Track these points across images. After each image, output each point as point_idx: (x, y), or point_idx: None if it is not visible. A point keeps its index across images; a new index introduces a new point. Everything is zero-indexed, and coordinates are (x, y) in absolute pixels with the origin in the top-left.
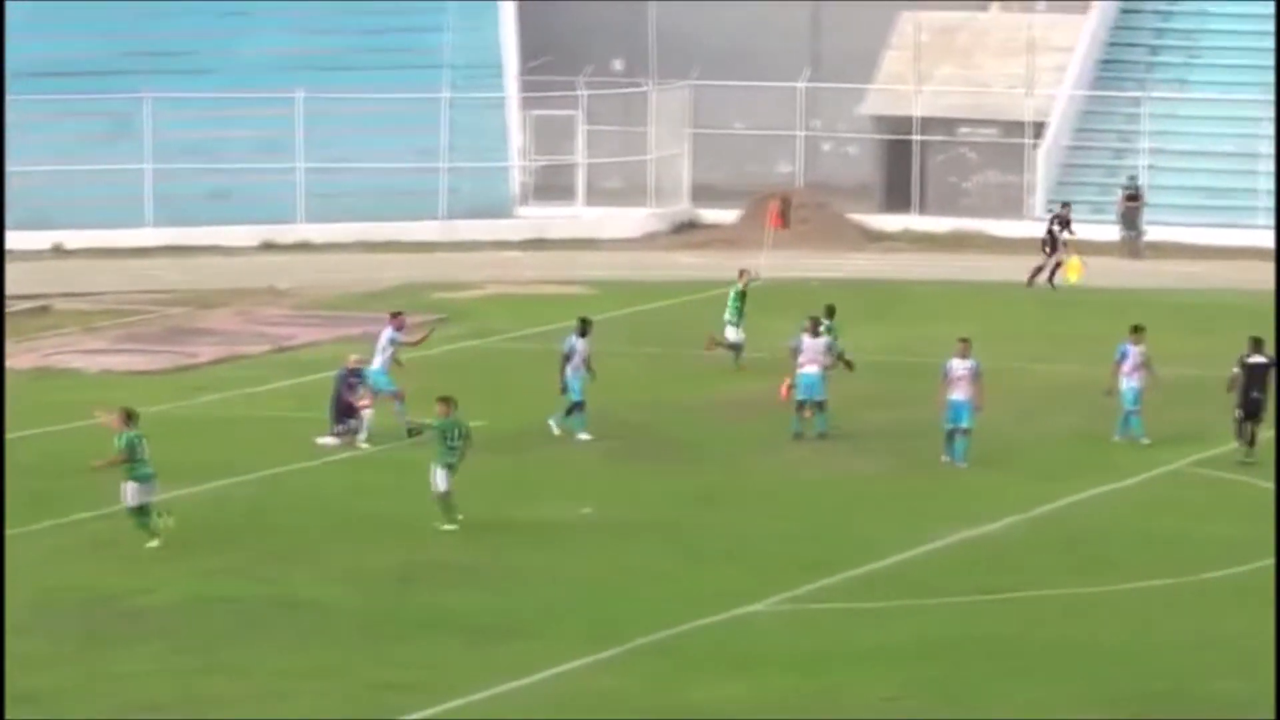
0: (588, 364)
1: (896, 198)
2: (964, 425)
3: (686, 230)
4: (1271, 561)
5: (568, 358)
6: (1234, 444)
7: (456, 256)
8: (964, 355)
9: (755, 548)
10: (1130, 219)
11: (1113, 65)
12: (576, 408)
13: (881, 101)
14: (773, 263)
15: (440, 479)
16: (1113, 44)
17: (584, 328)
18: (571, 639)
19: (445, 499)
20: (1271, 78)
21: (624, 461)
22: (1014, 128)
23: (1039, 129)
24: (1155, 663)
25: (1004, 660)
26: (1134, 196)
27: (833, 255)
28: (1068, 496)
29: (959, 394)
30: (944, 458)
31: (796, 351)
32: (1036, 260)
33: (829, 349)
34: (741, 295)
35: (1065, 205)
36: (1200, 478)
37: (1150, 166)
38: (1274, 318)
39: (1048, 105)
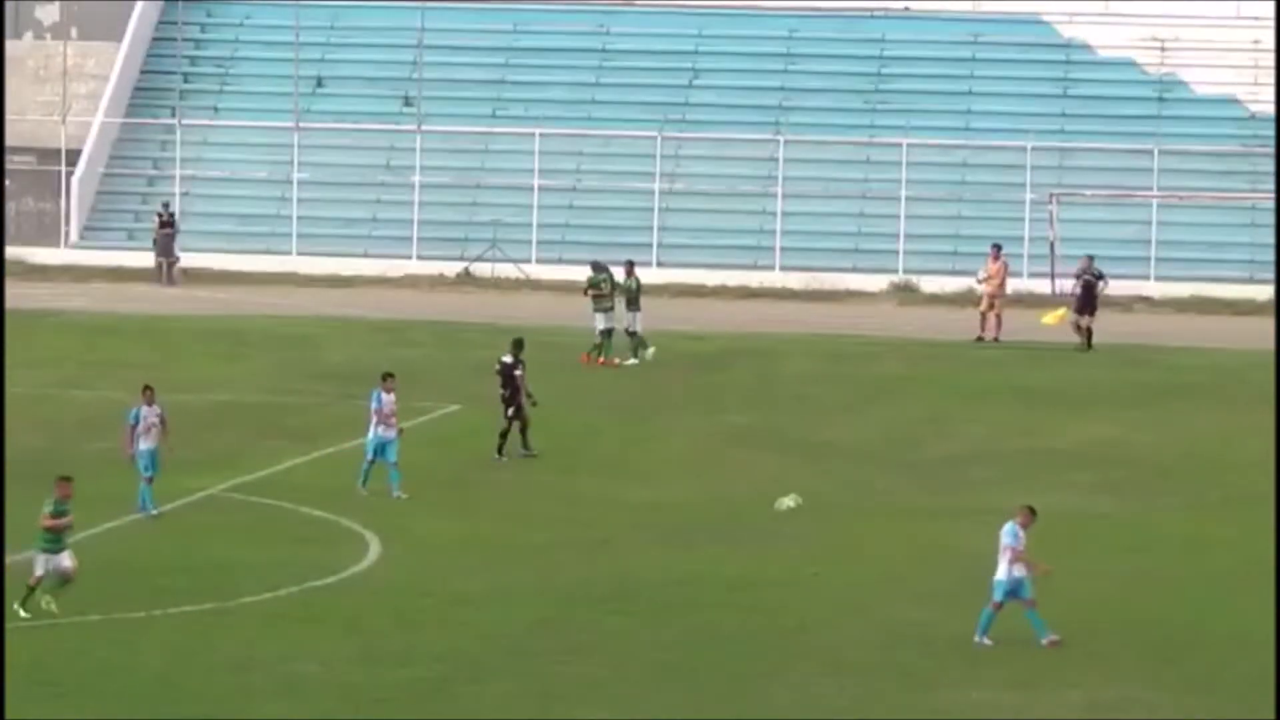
0: None
1: None
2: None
3: None
4: (299, 587)
5: None
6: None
7: None
8: (150, 402)
9: None
10: (165, 245)
11: (147, 93)
12: None
13: None
14: None
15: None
16: (147, 71)
17: None
18: None
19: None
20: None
21: None
22: (50, 155)
23: (74, 156)
24: (196, 687)
25: (44, 687)
26: (168, 223)
27: None
28: (102, 524)
29: (150, 443)
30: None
31: None
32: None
33: None
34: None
35: (1089, 258)
36: (234, 502)
37: (184, 194)
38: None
39: (83, 132)
